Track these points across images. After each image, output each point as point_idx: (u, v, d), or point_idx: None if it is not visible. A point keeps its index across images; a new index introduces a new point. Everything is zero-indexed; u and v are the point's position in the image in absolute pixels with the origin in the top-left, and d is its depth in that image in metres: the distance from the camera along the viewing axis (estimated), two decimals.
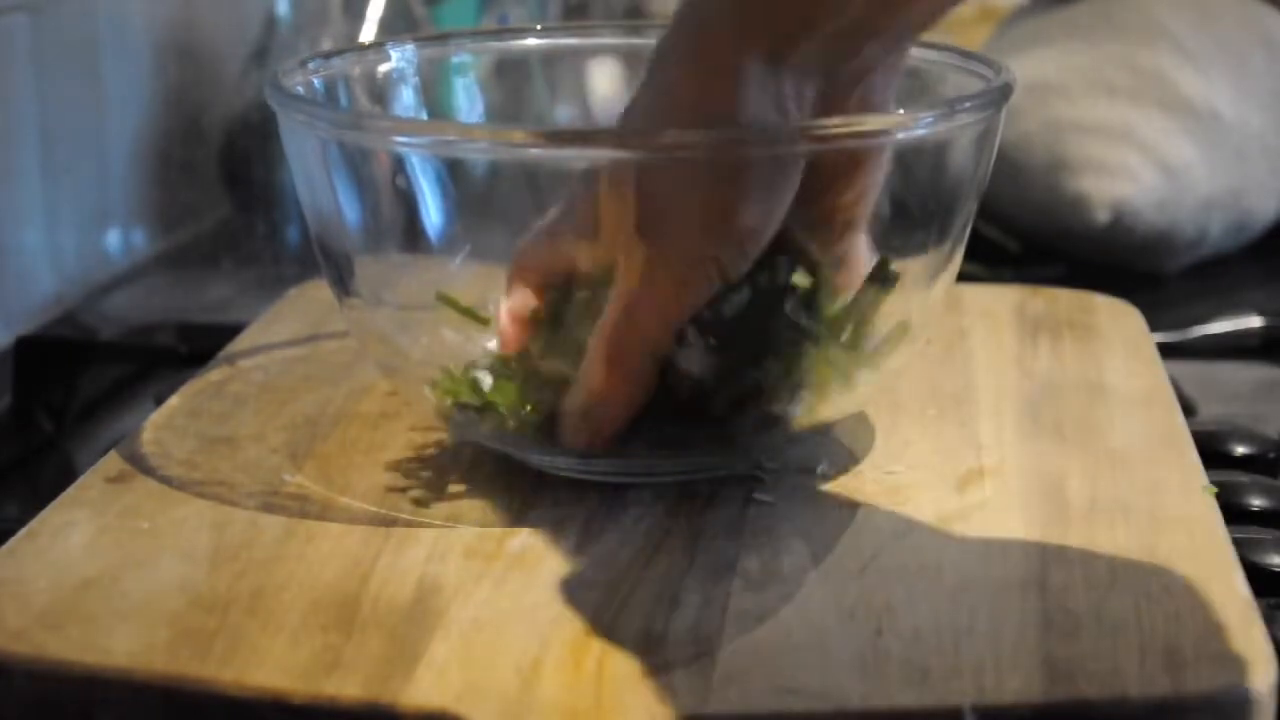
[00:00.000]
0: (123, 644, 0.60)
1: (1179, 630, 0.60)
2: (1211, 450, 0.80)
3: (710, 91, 0.64)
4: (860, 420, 0.77)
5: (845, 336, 0.70)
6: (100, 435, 0.94)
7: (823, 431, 0.74)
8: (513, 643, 0.60)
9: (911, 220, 0.71)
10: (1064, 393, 0.81)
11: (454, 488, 0.72)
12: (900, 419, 0.78)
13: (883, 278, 0.70)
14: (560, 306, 0.71)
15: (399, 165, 0.71)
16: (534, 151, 0.68)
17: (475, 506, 0.70)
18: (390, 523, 0.69)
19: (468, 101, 0.84)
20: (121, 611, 0.62)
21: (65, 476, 0.78)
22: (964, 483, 0.72)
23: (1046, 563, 0.65)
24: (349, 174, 0.71)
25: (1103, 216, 1.13)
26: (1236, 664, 0.58)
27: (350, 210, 0.72)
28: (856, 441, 0.76)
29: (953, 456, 0.75)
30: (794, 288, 0.69)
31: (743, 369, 0.68)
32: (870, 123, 0.67)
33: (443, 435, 0.76)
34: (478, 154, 0.70)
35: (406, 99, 0.81)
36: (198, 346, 0.94)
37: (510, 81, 0.85)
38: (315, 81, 0.77)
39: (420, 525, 0.69)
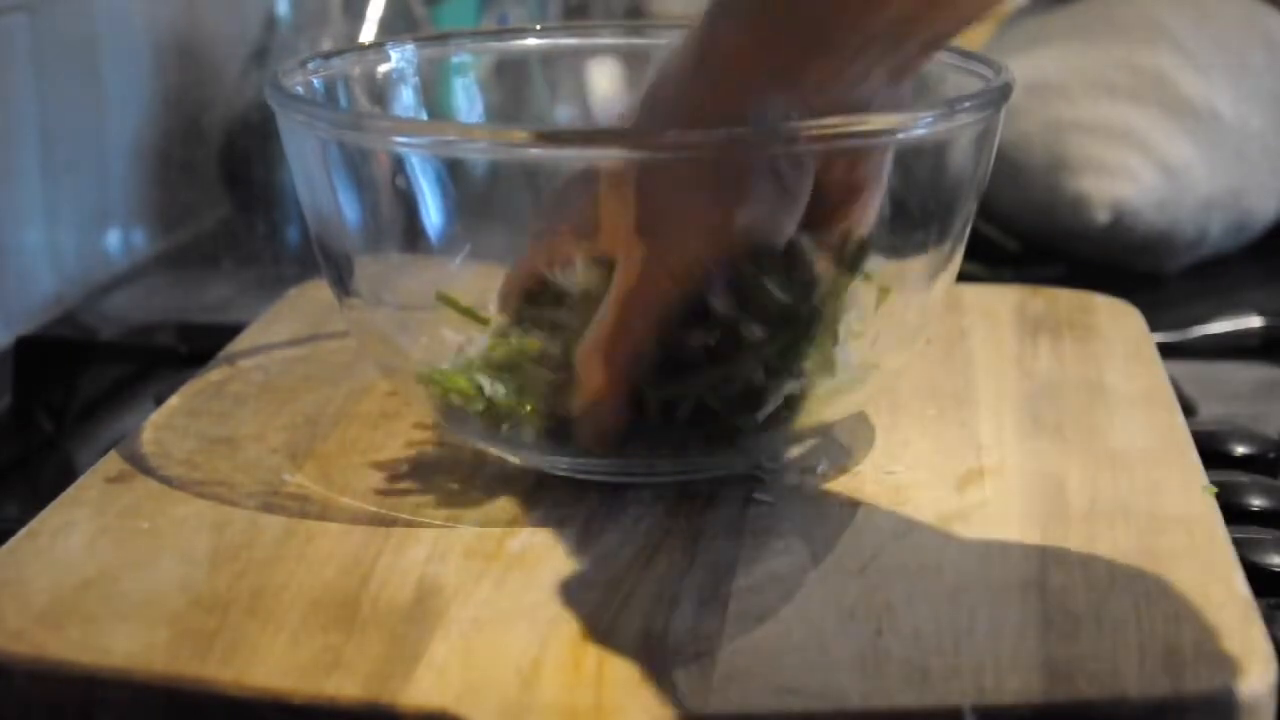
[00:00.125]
0: (123, 644, 0.60)
1: (1178, 630, 0.60)
2: (1211, 450, 0.80)
3: (721, 100, 0.65)
4: (860, 420, 0.77)
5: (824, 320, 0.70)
6: (100, 435, 0.94)
7: (823, 431, 0.74)
8: (513, 643, 0.60)
9: (911, 220, 0.71)
10: (1064, 393, 0.81)
11: (454, 488, 0.72)
12: (900, 419, 0.78)
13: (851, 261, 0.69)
14: (564, 283, 0.70)
15: (399, 165, 0.71)
16: (534, 151, 0.68)
17: (475, 506, 0.70)
18: (390, 523, 0.69)
19: (468, 101, 0.84)
20: (121, 611, 0.62)
21: (65, 476, 0.78)
22: (964, 483, 0.72)
23: (1046, 563, 0.65)
24: (349, 174, 0.71)
25: (1103, 216, 1.13)
26: (1236, 664, 0.58)
27: (350, 210, 0.72)
28: (856, 441, 0.76)
29: (953, 456, 0.75)
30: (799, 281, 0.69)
31: (739, 365, 0.68)
32: (870, 123, 0.67)
33: (443, 435, 0.76)
34: (478, 154, 0.70)
35: (406, 99, 0.81)
36: (198, 346, 0.94)
37: (510, 81, 0.85)
38: (315, 81, 0.77)
39: (420, 525, 0.69)
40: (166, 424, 0.78)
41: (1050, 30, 1.22)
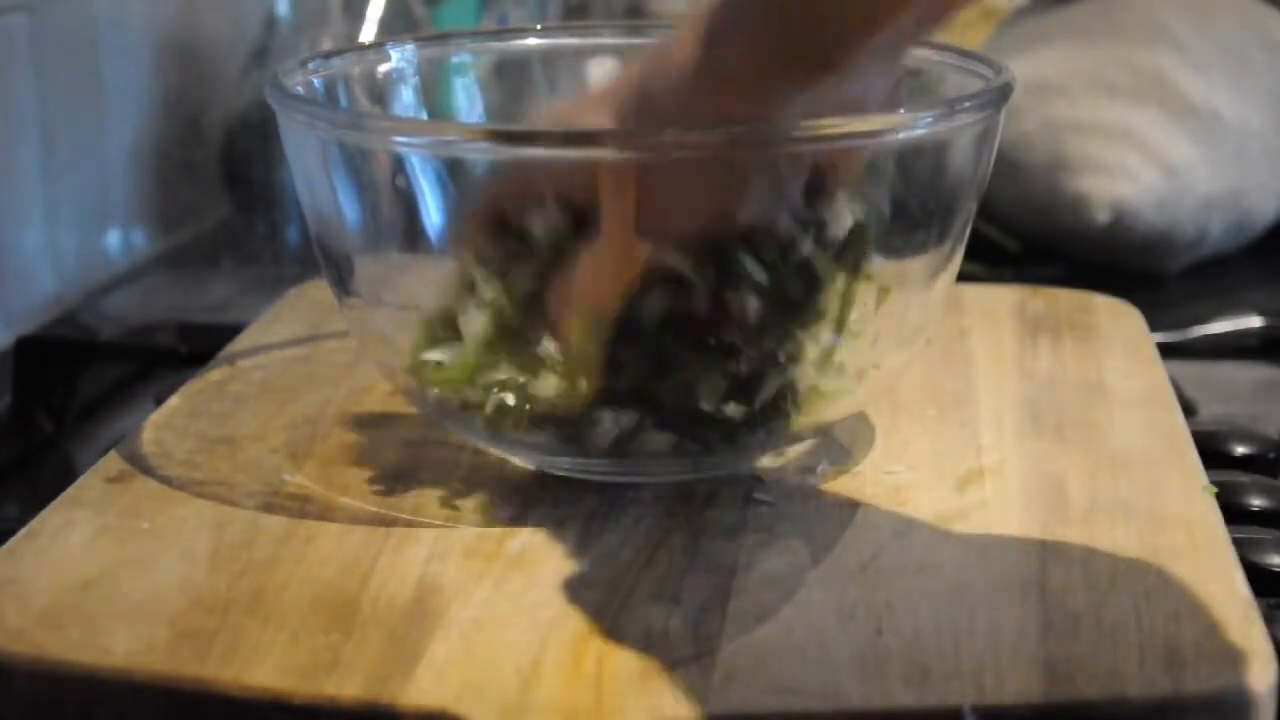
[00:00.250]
0: (123, 644, 0.60)
1: (1179, 630, 0.60)
2: (1211, 450, 0.80)
3: (722, 109, 0.65)
4: (860, 420, 0.77)
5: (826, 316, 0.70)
6: (100, 435, 0.94)
7: (823, 431, 0.74)
8: (513, 643, 0.60)
9: (911, 220, 0.71)
10: (1064, 393, 0.81)
11: (454, 488, 0.72)
12: (900, 419, 0.78)
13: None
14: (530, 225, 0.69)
15: (399, 165, 0.71)
16: (534, 152, 0.68)
17: (475, 506, 0.70)
18: (390, 523, 0.69)
19: (468, 101, 0.84)
20: (121, 611, 0.62)
21: (65, 476, 0.78)
22: (964, 483, 0.72)
23: (1046, 563, 0.65)
24: (349, 174, 0.71)
25: (1103, 216, 1.13)
26: (1236, 664, 0.58)
27: (350, 210, 0.72)
28: (856, 441, 0.76)
29: (953, 456, 0.75)
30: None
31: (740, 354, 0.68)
32: (870, 123, 0.67)
33: (443, 435, 0.76)
34: (478, 154, 0.70)
35: (406, 99, 0.81)
36: (198, 346, 0.94)
37: (510, 81, 0.85)
38: (315, 81, 0.77)
39: (420, 525, 0.69)
40: (166, 424, 0.78)
41: (1050, 30, 1.22)
